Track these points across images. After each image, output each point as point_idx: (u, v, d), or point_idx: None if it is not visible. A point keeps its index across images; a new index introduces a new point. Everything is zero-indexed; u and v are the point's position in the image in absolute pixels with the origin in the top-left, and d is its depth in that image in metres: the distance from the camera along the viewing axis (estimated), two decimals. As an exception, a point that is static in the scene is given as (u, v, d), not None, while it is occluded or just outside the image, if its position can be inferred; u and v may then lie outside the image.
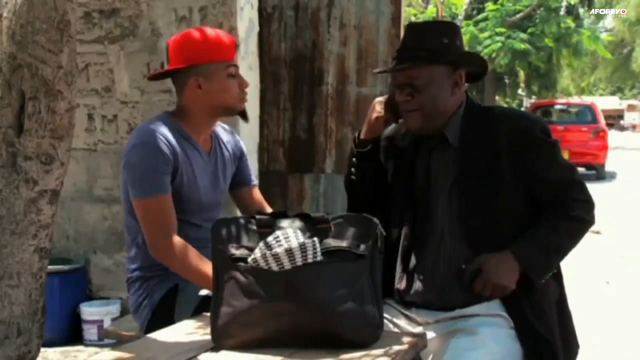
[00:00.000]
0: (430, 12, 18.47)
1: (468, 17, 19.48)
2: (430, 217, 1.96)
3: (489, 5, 18.83)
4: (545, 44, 18.46)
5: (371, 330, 1.60)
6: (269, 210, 2.26)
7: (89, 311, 3.90)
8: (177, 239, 2.03)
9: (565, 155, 2.09)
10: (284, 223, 1.63)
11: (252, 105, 3.79)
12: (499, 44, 17.86)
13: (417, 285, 1.95)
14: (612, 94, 46.94)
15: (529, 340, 1.84)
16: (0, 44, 1.52)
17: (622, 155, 19.08)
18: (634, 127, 39.28)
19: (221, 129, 2.35)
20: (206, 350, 1.59)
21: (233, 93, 2.17)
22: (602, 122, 14.51)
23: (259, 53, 3.95)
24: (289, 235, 1.58)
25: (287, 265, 1.55)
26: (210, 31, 2.16)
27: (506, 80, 22.62)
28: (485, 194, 1.89)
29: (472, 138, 1.94)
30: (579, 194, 1.93)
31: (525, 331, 1.84)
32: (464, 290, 1.87)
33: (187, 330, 1.77)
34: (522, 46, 17.78)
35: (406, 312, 1.97)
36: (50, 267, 1.83)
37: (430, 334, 1.86)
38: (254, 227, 1.63)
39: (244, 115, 2.23)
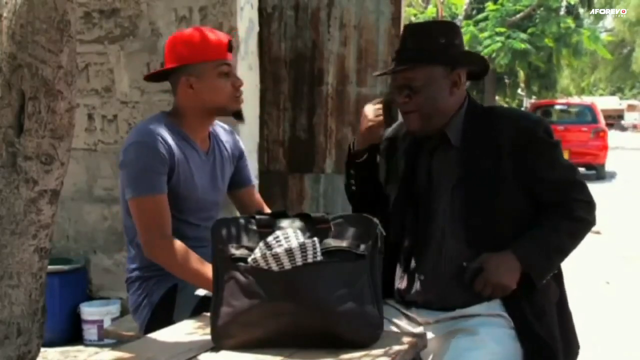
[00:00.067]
0: (430, 12, 18.46)
1: (468, 17, 19.47)
2: (432, 217, 1.95)
3: (489, 5, 18.84)
4: (545, 44, 18.47)
5: (371, 330, 1.59)
6: (268, 211, 2.26)
7: (89, 311, 3.90)
8: (172, 239, 2.03)
9: (566, 155, 2.07)
10: (284, 223, 1.63)
11: (252, 105, 3.79)
12: (499, 44, 17.87)
13: (418, 285, 1.95)
14: (612, 94, 46.90)
15: (529, 341, 1.83)
16: (0, 44, 1.52)
17: (622, 155, 19.08)
18: (634, 127, 39.26)
19: (221, 128, 2.35)
20: (206, 350, 1.59)
21: (225, 92, 2.14)
22: (602, 122, 14.53)
23: (259, 53, 3.94)
24: (289, 235, 1.58)
25: (287, 265, 1.54)
26: (203, 31, 2.15)
27: (506, 80, 22.61)
28: (486, 194, 1.89)
29: (474, 138, 1.93)
30: (580, 194, 1.94)
31: (525, 331, 1.84)
32: (465, 290, 1.87)
33: (187, 330, 1.77)
34: (522, 46, 17.79)
35: (406, 312, 1.97)
36: (50, 267, 1.83)
37: (431, 334, 1.87)
38: (254, 227, 1.63)
39: (238, 116, 2.19)
